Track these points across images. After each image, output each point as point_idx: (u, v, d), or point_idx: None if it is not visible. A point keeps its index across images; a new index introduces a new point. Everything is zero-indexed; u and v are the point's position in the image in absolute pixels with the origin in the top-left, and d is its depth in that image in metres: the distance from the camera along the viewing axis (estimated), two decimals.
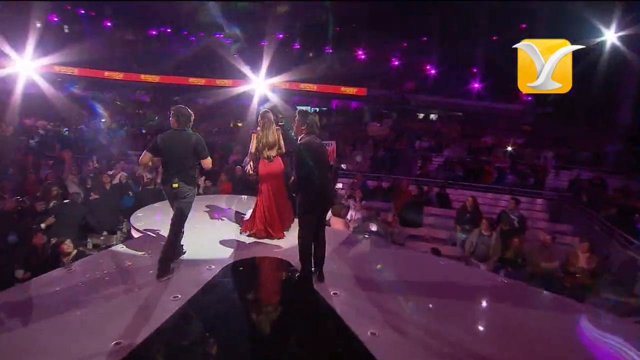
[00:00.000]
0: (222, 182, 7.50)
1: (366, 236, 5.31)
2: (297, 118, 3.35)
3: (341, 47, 24.82)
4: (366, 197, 7.80)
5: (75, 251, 4.35)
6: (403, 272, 3.67)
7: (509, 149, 12.93)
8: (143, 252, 3.70)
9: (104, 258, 3.56)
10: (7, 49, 16.99)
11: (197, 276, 3.28)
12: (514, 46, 2.81)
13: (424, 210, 7.31)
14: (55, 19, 27.85)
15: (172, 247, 3.30)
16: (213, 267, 3.47)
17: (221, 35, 30.19)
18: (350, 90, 22.97)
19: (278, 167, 4.32)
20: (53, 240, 4.48)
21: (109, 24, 29.61)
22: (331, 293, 3.06)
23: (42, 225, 5.24)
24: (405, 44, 24.59)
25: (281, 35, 28.40)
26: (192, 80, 25.45)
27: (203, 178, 7.47)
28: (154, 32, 29.56)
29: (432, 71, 23.47)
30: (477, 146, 14.01)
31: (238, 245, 4.06)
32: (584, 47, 2.78)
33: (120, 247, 3.84)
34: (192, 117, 3.42)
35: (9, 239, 4.50)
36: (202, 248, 3.87)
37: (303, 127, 3.29)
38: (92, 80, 24.15)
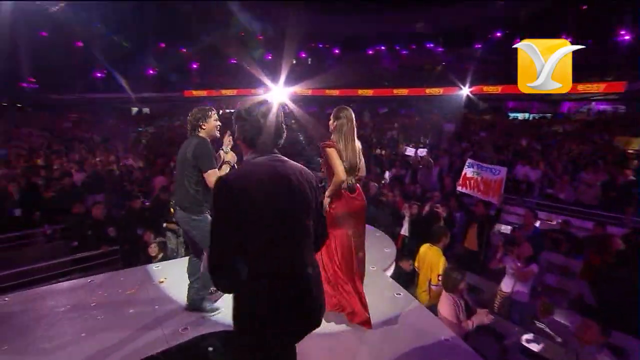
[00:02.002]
0: None
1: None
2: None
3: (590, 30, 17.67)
4: (567, 251, 4.44)
5: (161, 254, 4.29)
6: None
7: None
8: (162, 279, 3.01)
9: (125, 276, 3.10)
10: (267, 81, 22.61)
11: (152, 340, 2.22)
12: (514, 46, 2.56)
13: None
14: (303, 55, 34.54)
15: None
16: (188, 329, 2.32)
17: (432, 45, 29.08)
18: (595, 88, 15.89)
19: (361, 201, 2.60)
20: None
21: (337, 51, 33.92)
22: None
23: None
24: None
25: (499, 34, 23.85)
26: (396, 92, 25.42)
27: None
28: (370, 52, 31.40)
29: None
30: None
31: None
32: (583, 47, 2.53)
33: (155, 267, 3.32)
34: (203, 121, 2.37)
35: (138, 232, 4.98)
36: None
37: (243, 138, 1.35)
38: (316, 99, 28.22)
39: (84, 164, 7.86)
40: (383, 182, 7.47)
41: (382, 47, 30.94)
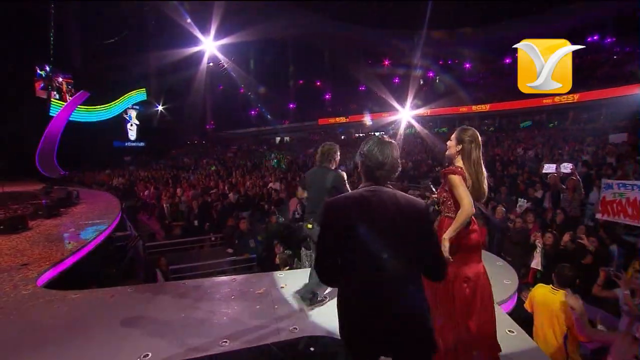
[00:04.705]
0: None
1: None
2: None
3: None
4: None
5: (286, 263, 4.93)
6: None
7: None
8: (283, 285, 3.56)
9: (257, 279, 3.78)
10: (395, 104, 23.29)
11: (268, 332, 2.68)
12: (514, 46, 2.57)
13: None
14: (431, 75, 33.70)
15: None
16: (297, 329, 2.71)
17: (596, 37, 23.96)
18: None
19: (477, 234, 2.23)
20: None
21: (467, 66, 31.74)
22: None
23: None
24: None
25: None
26: (546, 101, 21.92)
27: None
28: (508, 60, 28.13)
29: None
30: None
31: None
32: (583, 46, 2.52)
33: (279, 274, 3.91)
34: (335, 155, 3.00)
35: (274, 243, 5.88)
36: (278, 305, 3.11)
37: (360, 171, 1.61)
38: (447, 117, 26.70)
39: (237, 186, 9.79)
40: (517, 208, 6.52)
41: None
